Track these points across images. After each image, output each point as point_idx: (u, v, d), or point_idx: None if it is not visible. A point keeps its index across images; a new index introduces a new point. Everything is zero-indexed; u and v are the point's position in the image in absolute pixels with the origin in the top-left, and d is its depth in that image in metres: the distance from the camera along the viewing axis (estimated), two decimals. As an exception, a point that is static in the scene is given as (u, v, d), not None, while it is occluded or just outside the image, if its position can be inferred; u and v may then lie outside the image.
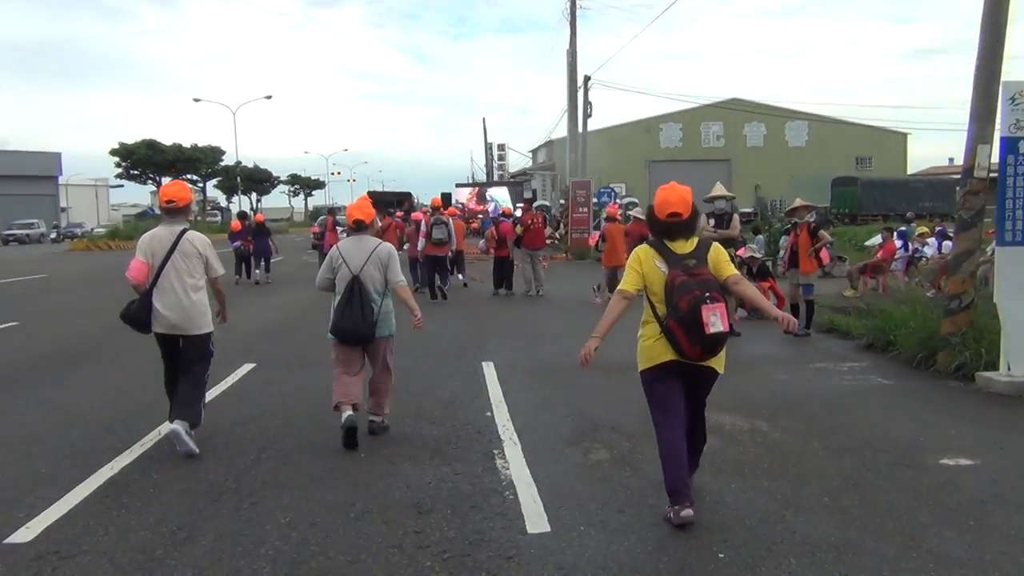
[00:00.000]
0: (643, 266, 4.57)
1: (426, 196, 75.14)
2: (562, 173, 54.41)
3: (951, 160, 77.80)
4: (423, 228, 16.58)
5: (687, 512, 4.36)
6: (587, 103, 31.09)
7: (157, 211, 55.38)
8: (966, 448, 5.83)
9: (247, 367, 8.96)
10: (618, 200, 31.63)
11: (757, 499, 4.81)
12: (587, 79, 31.03)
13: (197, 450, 5.68)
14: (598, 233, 16.23)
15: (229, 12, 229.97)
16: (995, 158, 8.17)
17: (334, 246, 6.51)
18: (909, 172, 63.15)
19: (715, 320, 4.29)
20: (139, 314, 5.81)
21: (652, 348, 4.60)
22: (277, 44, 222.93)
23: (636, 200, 42.24)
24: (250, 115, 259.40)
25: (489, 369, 8.89)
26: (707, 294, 4.32)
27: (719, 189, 11.52)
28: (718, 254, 4.64)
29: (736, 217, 11.47)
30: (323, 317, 6.66)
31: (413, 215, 19.73)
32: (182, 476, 5.35)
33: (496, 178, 66.81)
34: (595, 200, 30.36)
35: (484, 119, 74.96)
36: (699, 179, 49.06)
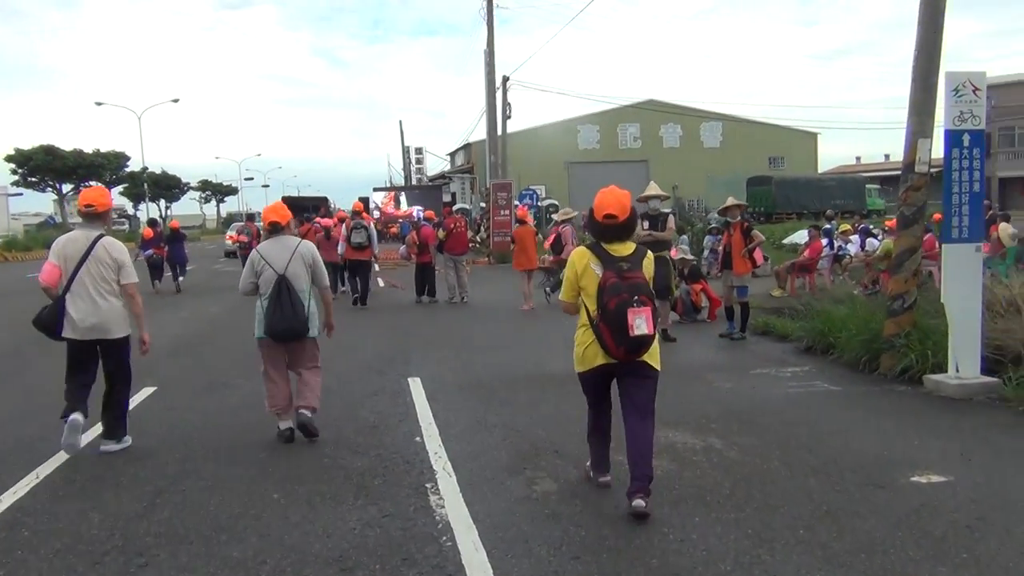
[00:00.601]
0: (577, 270, 4.73)
1: (343, 201, 73.81)
2: (481, 176, 53.96)
3: (858, 159, 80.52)
4: (343, 232, 16.15)
5: (605, 479, 5.03)
6: (506, 104, 30.63)
7: (59, 219, 52.74)
8: (933, 462, 5.44)
9: (147, 391, 8.07)
10: (539, 203, 31.20)
11: (726, 534, 4.28)
12: (506, 79, 30.57)
13: (128, 441, 6.12)
14: (552, 234, 15.40)
15: (135, 14, 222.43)
16: (936, 153, 7.93)
17: (254, 249, 6.49)
18: (820, 171, 64.71)
19: (640, 323, 4.42)
20: (50, 319, 5.79)
21: (585, 353, 4.75)
22: (186, 47, 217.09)
23: (556, 202, 42.06)
24: (157, 120, 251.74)
25: (416, 386, 8.22)
26: (635, 297, 4.45)
27: (653, 188, 11.10)
28: (650, 262, 4.80)
29: (672, 218, 11.06)
30: (232, 331, 5.97)
31: (322, 221, 19.10)
32: (59, 531, 4.55)
33: (415, 182, 65.89)
34: (517, 202, 29.85)
35: (401, 122, 74.21)
36: (617, 180, 49.43)
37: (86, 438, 6.10)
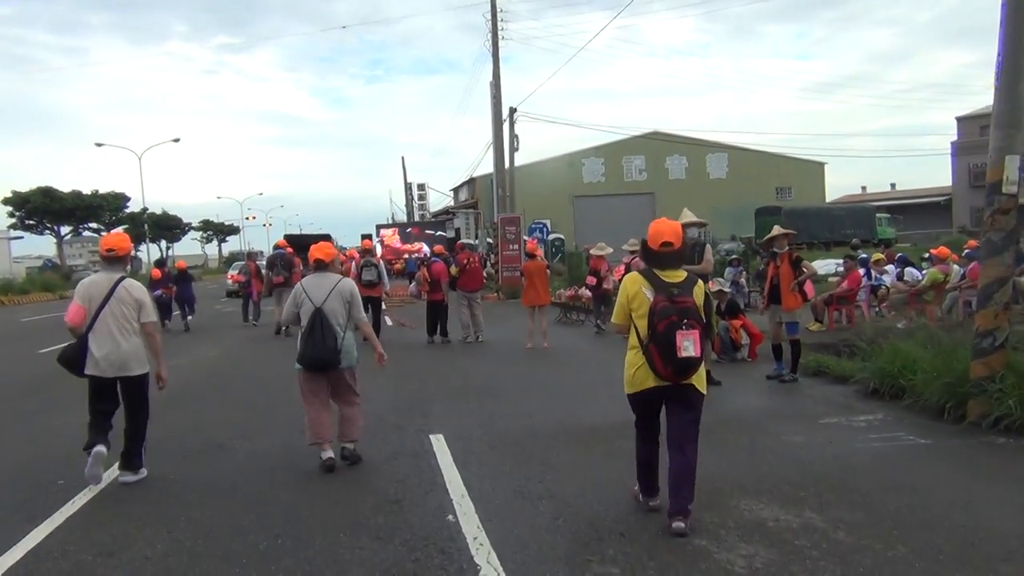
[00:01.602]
0: (629, 294, 4.94)
1: (345, 238, 73.04)
2: (486, 211, 53.17)
3: (864, 188, 79.77)
4: (353, 270, 15.76)
5: (655, 503, 5.07)
6: (513, 136, 29.82)
7: (57, 262, 52.08)
8: (1095, 544, 4.40)
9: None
10: (548, 236, 30.22)
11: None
12: (512, 111, 29.79)
13: (144, 472, 6.41)
14: (622, 267, 14.85)
15: (139, 59, 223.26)
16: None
17: (298, 283, 6.92)
18: (827, 200, 63.93)
19: (688, 345, 4.60)
20: (74, 356, 6.13)
21: (636, 375, 4.89)
22: (188, 89, 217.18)
23: (562, 236, 41.14)
24: (159, 160, 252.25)
25: (440, 445, 7.18)
26: (684, 320, 4.64)
27: (688, 216, 10.10)
28: (701, 291, 4.97)
29: (709, 248, 10.07)
30: (232, 380, 5.00)
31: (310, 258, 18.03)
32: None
33: (417, 218, 65.11)
34: (526, 236, 28.95)
35: (403, 158, 73.52)
36: (624, 212, 48.28)
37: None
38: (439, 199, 71.76)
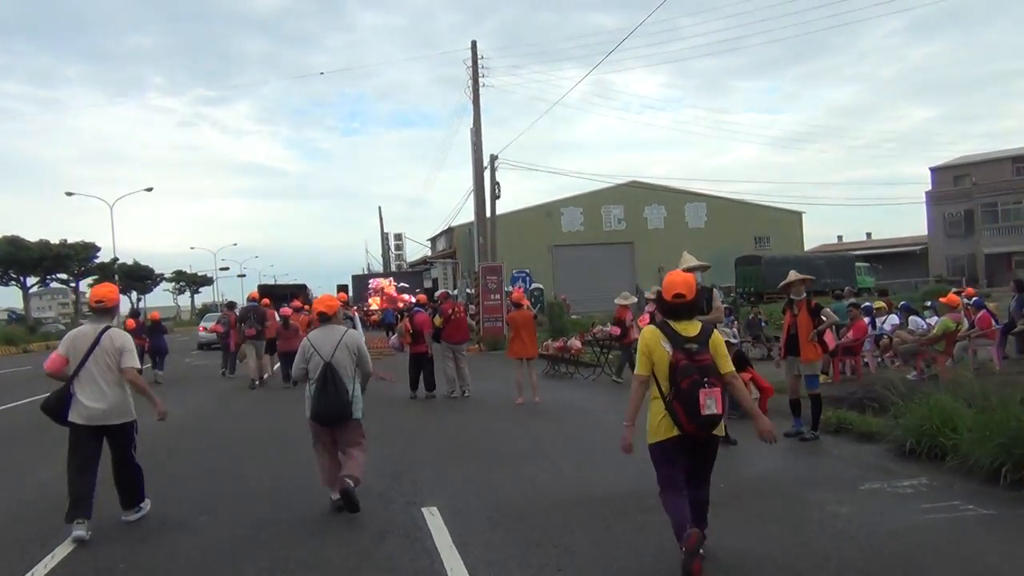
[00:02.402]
0: (649, 347, 4.99)
1: (320, 289, 71.86)
2: (464, 260, 52.50)
3: (840, 237, 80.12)
4: None
5: (690, 532, 4.77)
6: (495, 183, 29.21)
7: (22, 314, 50.87)
8: None
9: (66, 549, 5.95)
10: (531, 285, 29.43)
11: None
12: (494, 158, 29.25)
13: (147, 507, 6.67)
14: (646, 316, 14.21)
15: (116, 111, 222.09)
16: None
17: (305, 338, 6.97)
18: (805, 249, 63.92)
19: (711, 403, 4.75)
20: (57, 404, 6.21)
21: (660, 424, 4.94)
22: (165, 141, 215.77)
23: (541, 287, 40.44)
24: (132, 211, 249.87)
25: (435, 520, 6.25)
26: (705, 379, 4.78)
27: (689, 260, 9.31)
28: (717, 344, 5.03)
29: (717, 295, 9.30)
30: (198, 443, 4.12)
31: (282, 310, 18.39)
32: None
33: (393, 268, 64.28)
34: (509, 286, 28.19)
35: (380, 208, 72.82)
36: (603, 262, 47.76)
37: None
38: (416, 249, 71.14)
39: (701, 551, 4.84)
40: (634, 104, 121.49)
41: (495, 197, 29.31)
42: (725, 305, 19.02)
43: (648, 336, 5.05)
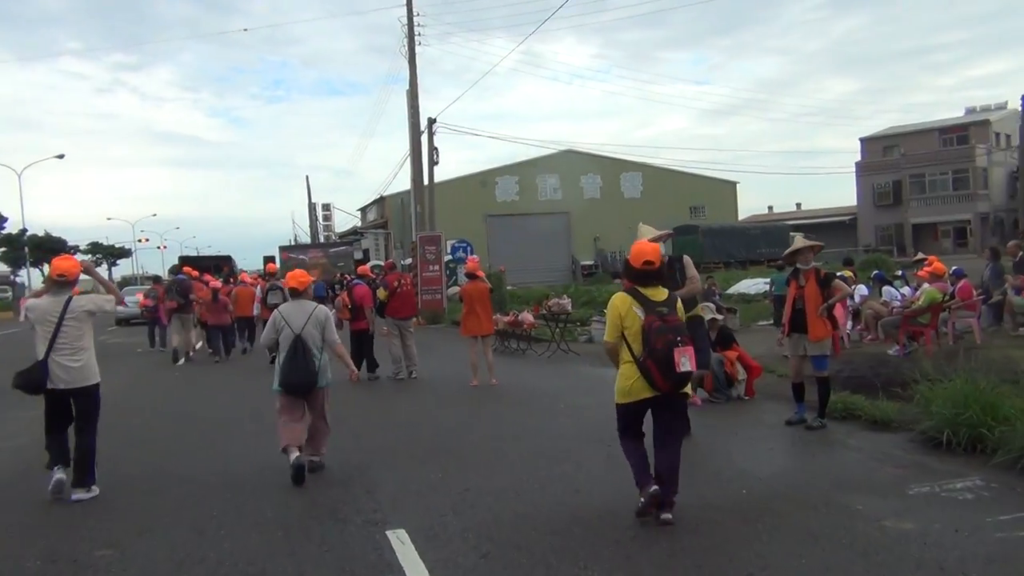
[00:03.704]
0: (621, 312, 5.27)
1: (246, 261, 69.10)
2: (396, 230, 50.69)
3: (771, 208, 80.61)
4: (257, 294, 16.20)
5: (653, 488, 5.18)
6: (433, 148, 27.64)
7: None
8: None
9: None
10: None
11: None
12: (431, 121, 27.62)
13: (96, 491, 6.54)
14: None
15: (26, 77, 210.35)
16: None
17: (275, 311, 7.32)
18: (739, 219, 63.87)
19: (684, 361, 5.01)
20: (37, 376, 6.44)
21: (632, 386, 5.21)
22: (79, 108, 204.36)
23: (476, 257, 38.95)
24: (44, 180, 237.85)
25: (405, 550, 4.94)
26: (678, 338, 5.06)
27: (647, 231, 8.08)
28: (680, 308, 5.41)
29: (690, 262, 8.14)
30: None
31: (211, 283, 17.85)
32: None
33: (322, 239, 61.98)
34: (449, 256, 26.77)
35: (308, 177, 70.27)
36: (538, 232, 46.42)
37: None
38: (346, 220, 68.89)
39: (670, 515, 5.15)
40: (564, 75, 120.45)
41: (433, 163, 27.75)
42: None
43: (620, 303, 5.31)
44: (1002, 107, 58.49)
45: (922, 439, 7.11)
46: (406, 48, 27.02)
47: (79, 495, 6.42)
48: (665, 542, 4.90)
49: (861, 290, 14.96)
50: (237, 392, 12.87)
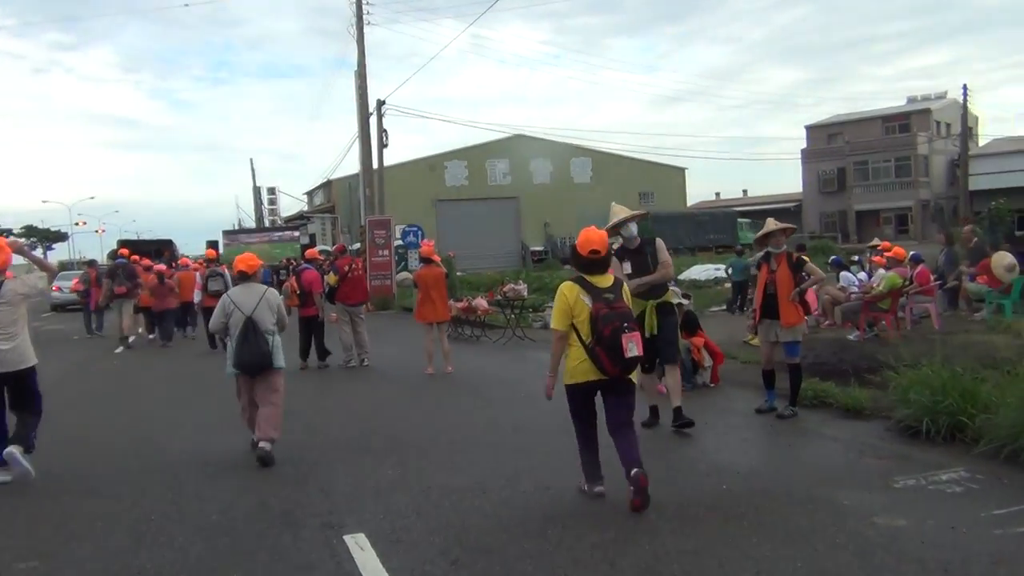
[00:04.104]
0: (569, 300, 5.33)
1: (188, 246, 67.36)
2: (344, 215, 49.76)
3: (718, 194, 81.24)
4: (197, 280, 16.08)
5: (600, 488, 5.37)
6: (382, 131, 26.97)
7: None
8: None
9: None
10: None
11: None
12: (381, 103, 26.94)
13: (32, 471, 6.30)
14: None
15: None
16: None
17: (225, 295, 7.39)
18: (687, 206, 64.14)
19: (632, 346, 5.13)
20: None
21: (579, 367, 5.31)
22: (14, 89, 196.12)
23: (432, 242, 38.34)
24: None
25: (366, 557, 4.52)
26: (625, 324, 5.15)
27: (620, 210, 7.76)
28: (627, 293, 5.56)
29: (662, 245, 7.81)
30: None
31: (156, 267, 17.74)
32: None
33: (267, 223, 60.63)
34: (399, 240, 26.19)
35: (252, 160, 68.64)
36: (488, 217, 45.93)
37: None
38: (291, 204, 67.54)
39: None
40: (513, 60, 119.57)
41: (383, 146, 27.08)
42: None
43: (568, 291, 5.36)
44: (942, 97, 59.54)
45: (899, 428, 6.90)
46: (355, 28, 26.27)
47: (13, 449, 6.24)
48: (647, 544, 4.55)
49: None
50: (179, 380, 12.30)
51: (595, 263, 5.37)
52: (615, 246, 7.32)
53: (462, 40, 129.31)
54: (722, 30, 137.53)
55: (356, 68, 26.65)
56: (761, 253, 8.28)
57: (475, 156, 55.00)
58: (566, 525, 4.94)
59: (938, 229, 53.26)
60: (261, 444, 6.73)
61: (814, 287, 9.19)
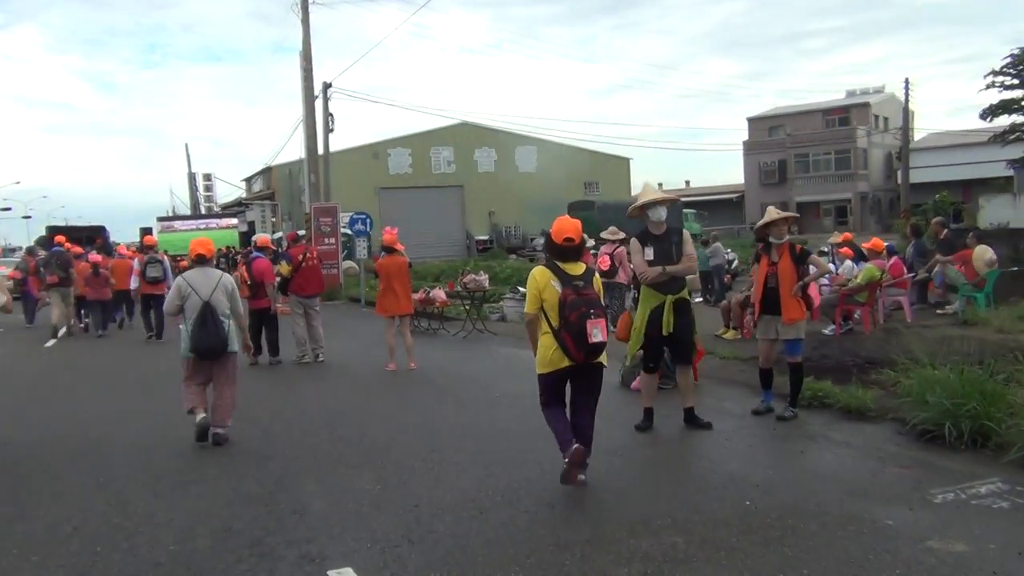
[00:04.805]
0: (540, 286, 5.45)
1: (120, 232, 64.95)
2: (285, 202, 48.37)
3: (660, 185, 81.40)
4: (136, 266, 15.92)
5: (575, 447, 5.32)
6: (328, 115, 25.93)
7: None
8: None
9: None
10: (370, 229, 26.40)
11: None
12: (327, 86, 25.89)
13: None
14: (606, 257, 13.21)
15: None
16: None
17: (179, 277, 7.34)
18: (632, 195, 64.11)
19: (596, 332, 5.23)
20: None
21: (551, 356, 5.42)
22: None
23: (395, 229, 37.35)
24: None
25: (361, 601, 3.84)
26: (591, 310, 5.27)
27: (651, 191, 7.26)
28: (598, 282, 5.61)
29: (689, 237, 7.26)
30: None
31: (91, 256, 17.12)
32: None
33: (203, 210, 58.69)
34: (346, 228, 25.26)
35: (187, 145, 66.37)
36: (432, 206, 45.08)
37: None
38: (229, 191, 65.54)
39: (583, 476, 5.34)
40: (453, 48, 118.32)
41: (328, 130, 26.05)
42: (595, 253, 17.40)
43: (539, 276, 5.48)
44: (880, 91, 60.50)
45: (913, 432, 6.44)
46: (299, 8, 25.16)
47: None
48: (684, 575, 3.97)
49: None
50: (117, 373, 11.41)
51: (568, 251, 5.47)
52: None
53: (407, 29, 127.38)
54: (660, 23, 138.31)
55: (301, 49, 25.50)
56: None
57: (419, 144, 54.00)
58: (584, 555, 4.32)
59: (875, 221, 54.30)
60: (215, 430, 6.93)
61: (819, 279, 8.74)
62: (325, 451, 6.75)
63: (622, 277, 13.98)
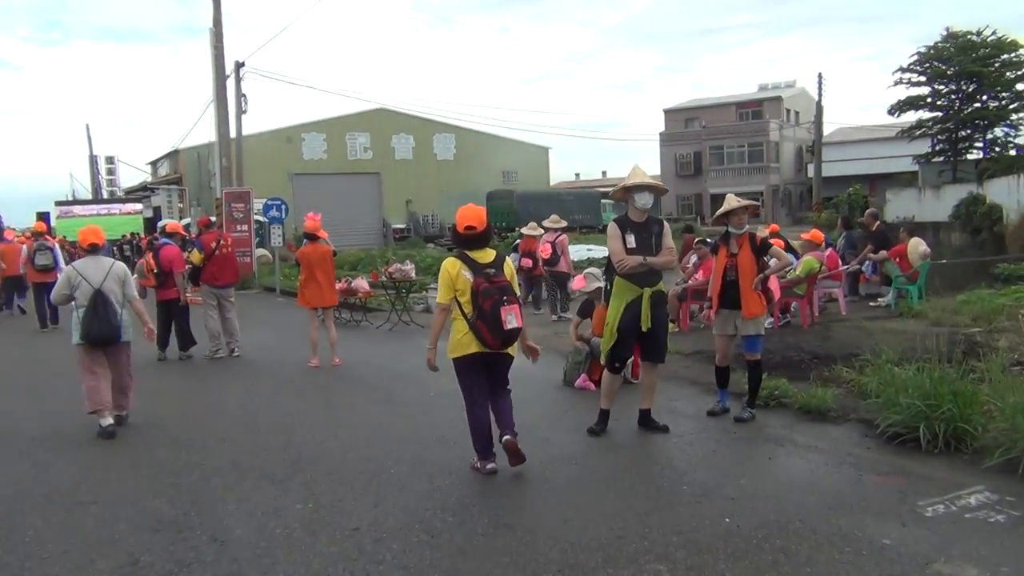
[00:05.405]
0: (452, 275, 5.44)
1: (15, 216, 61.35)
2: (193, 187, 46.42)
3: (578, 175, 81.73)
4: (24, 254, 15.53)
5: (492, 466, 5.46)
6: (241, 95, 24.69)
7: None
8: None
9: None
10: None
11: None
12: (239, 65, 24.63)
13: None
14: (547, 245, 13.59)
15: None
16: None
17: (69, 266, 7.32)
18: (551, 185, 63.94)
19: (511, 318, 5.31)
20: None
21: (462, 341, 5.43)
22: None
23: (318, 215, 36.03)
24: None
25: (302, 660, 3.19)
26: (504, 297, 5.33)
27: (639, 175, 6.67)
28: (509, 268, 5.59)
29: (668, 228, 6.73)
30: None
31: None
32: None
33: (106, 195, 55.94)
34: (261, 217, 24.13)
35: (88, 126, 63.22)
36: (348, 192, 43.85)
37: None
38: (133, 175, 62.68)
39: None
40: (371, 33, 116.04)
41: (241, 111, 24.81)
42: (517, 243, 16.85)
43: (450, 267, 5.47)
44: (791, 85, 61.72)
45: (882, 435, 6.08)
46: (210, -20, 23.81)
47: None
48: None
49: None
50: (4, 367, 10.34)
51: (472, 239, 5.48)
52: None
53: (322, 9, 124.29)
54: (577, 13, 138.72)
55: (211, 27, 24.19)
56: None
57: (335, 128, 52.60)
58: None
59: (786, 213, 55.39)
60: (117, 414, 7.04)
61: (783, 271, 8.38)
62: (246, 463, 6.01)
63: (563, 266, 13.54)
